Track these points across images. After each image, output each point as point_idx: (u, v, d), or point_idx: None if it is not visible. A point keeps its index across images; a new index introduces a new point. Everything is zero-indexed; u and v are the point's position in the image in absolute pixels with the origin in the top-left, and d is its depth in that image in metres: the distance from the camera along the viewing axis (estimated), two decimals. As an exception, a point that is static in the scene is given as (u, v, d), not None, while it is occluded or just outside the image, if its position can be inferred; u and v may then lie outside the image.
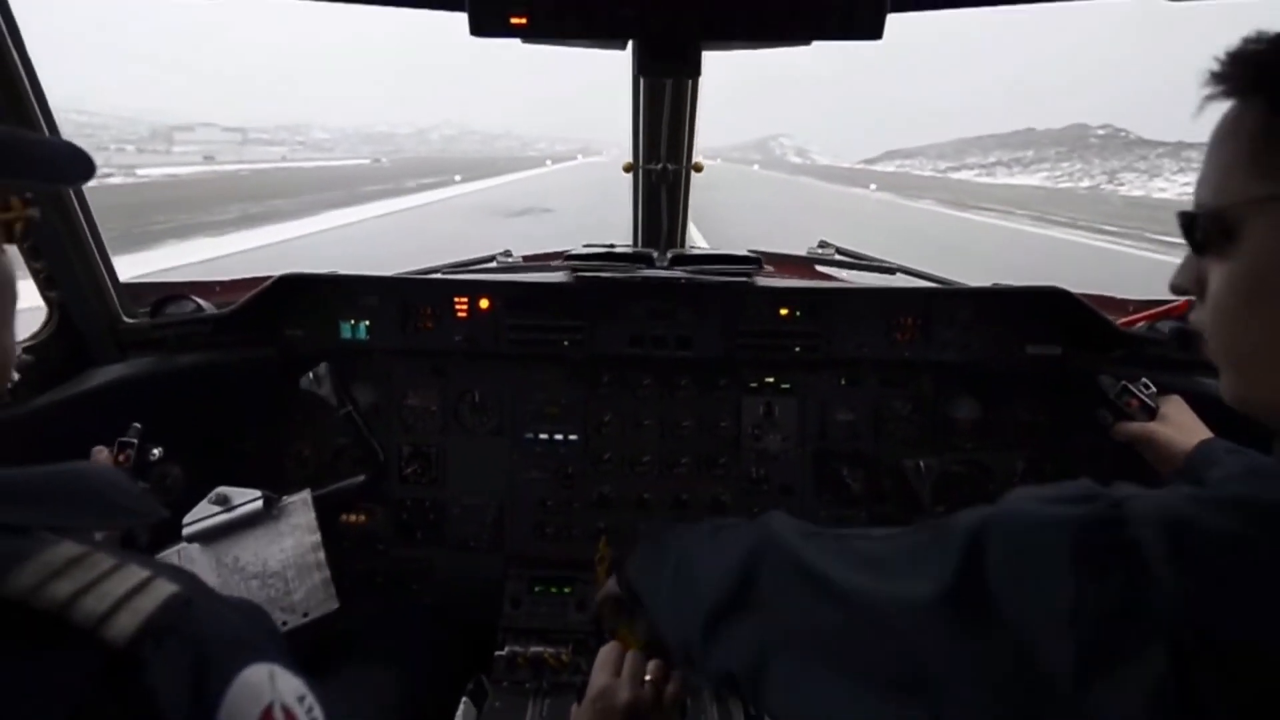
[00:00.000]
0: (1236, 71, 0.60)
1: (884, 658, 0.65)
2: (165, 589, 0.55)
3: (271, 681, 0.57)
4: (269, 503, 1.50)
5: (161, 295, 1.80)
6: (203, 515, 1.48)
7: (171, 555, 1.49)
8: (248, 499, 1.49)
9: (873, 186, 50.62)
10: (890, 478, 1.83)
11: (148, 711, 0.50)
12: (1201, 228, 0.64)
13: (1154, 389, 1.50)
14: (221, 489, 1.50)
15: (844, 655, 0.69)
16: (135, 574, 0.55)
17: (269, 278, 1.78)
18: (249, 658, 0.57)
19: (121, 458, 1.53)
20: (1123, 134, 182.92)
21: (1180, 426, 1.41)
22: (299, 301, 1.79)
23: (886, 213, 30.32)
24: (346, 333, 1.80)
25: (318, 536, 1.50)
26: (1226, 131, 0.62)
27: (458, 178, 39.08)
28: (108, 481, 1.24)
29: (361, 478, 1.76)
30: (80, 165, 0.78)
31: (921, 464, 1.48)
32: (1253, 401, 0.65)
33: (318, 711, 0.59)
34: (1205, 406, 1.52)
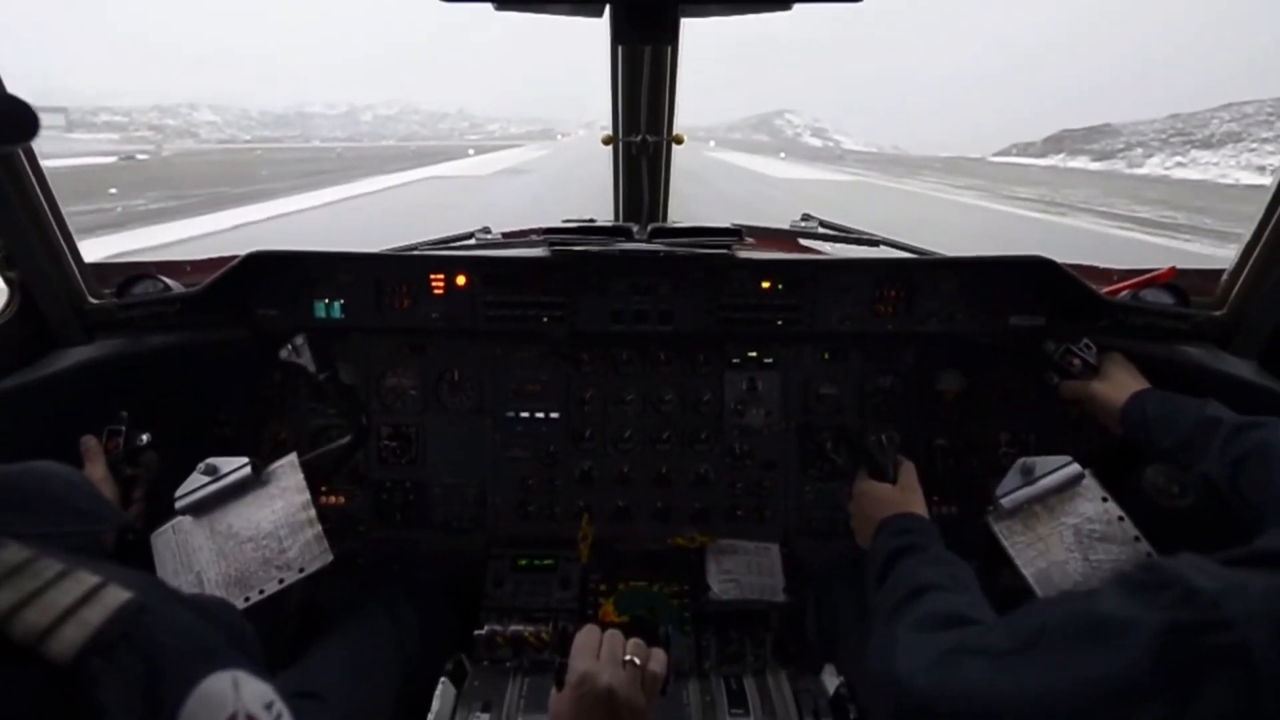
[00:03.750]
0: None
1: None
2: (116, 597, 0.52)
3: (235, 690, 0.54)
4: (257, 469, 1.50)
5: (128, 275, 1.75)
6: (193, 487, 1.47)
7: (166, 530, 1.48)
8: (236, 466, 1.49)
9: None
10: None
11: None
12: None
13: (1094, 349, 1.59)
14: (210, 460, 1.50)
15: None
16: (83, 581, 0.52)
17: (237, 256, 1.73)
18: (209, 667, 0.54)
19: (110, 445, 1.50)
20: None
21: (1116, 382, 1.51)
22: (270, 280, 1.74)
23: None
24: (320, 312, 1.76)
25: (307, 496, 1.49)
26: None
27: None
28: (69, 484, 1.21)
29: (347, 439, 1.73)
30: (20, 121, 0.74)
31: (884, 437, 1.51)
32: None
33: (286, 718, 0.57)
34: (1171, 374, 1.54)
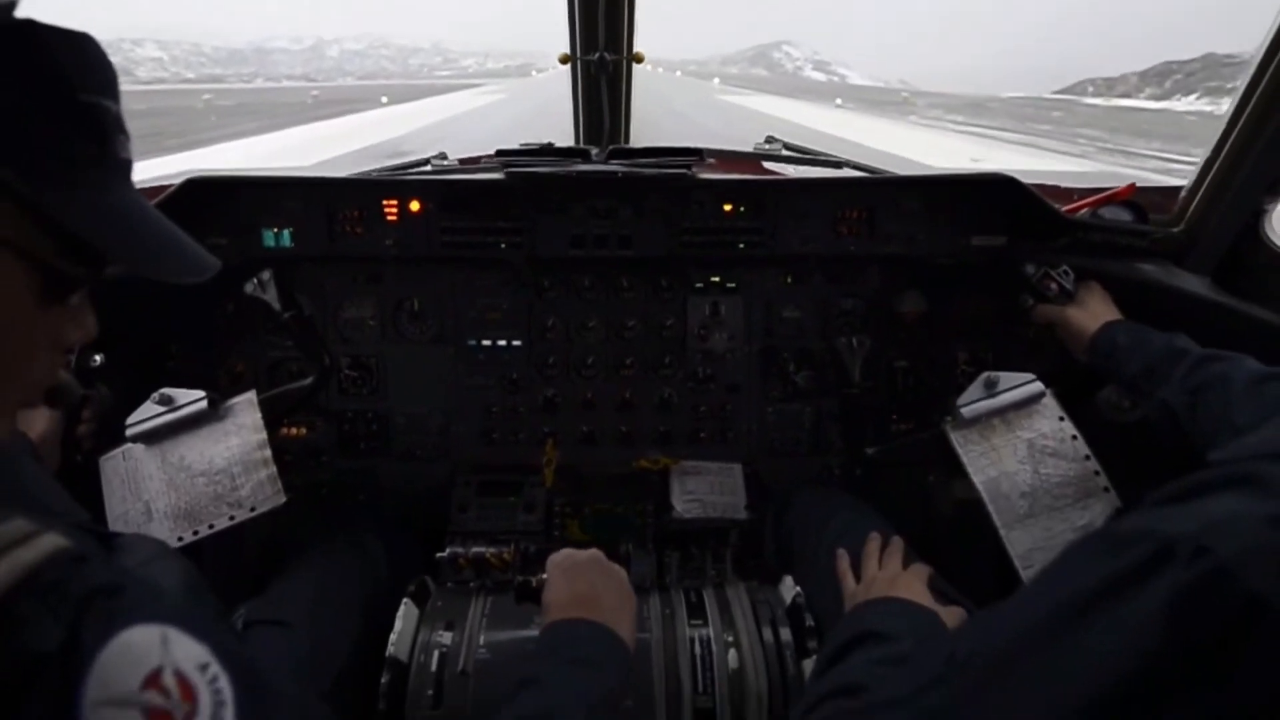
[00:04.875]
0: None
1: None
2: (52, 543, 0.52)
3: (164, 645, 0.53)
4: (213, 403, 1.48)
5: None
6: (147, 415, 1.45)
7: (116, 455, 1.46)
8: (192, 399, 1.47)
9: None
10: (835, 370, 1.83)
11: (20, 670, 0.47)
12: None
13: (1072, 275, 1.58)
14: (165, 390, 1.47)
15: None
16: (20, 527, 0.52)
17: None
18: (138, 617, 0.53)
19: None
20: None
21: (1091, 310, 1.52)
22: (214, 208, 1.67)
23: None
24: (269, 240, 1.70)
25: (263, 435, 1.48)
26: None
27: None
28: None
29: (309, 380, 1.71)
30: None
31: (854, 340, 1.52)
32: None
33: (223, 683, 0.54)
34: (1126, 291, 1.56)
